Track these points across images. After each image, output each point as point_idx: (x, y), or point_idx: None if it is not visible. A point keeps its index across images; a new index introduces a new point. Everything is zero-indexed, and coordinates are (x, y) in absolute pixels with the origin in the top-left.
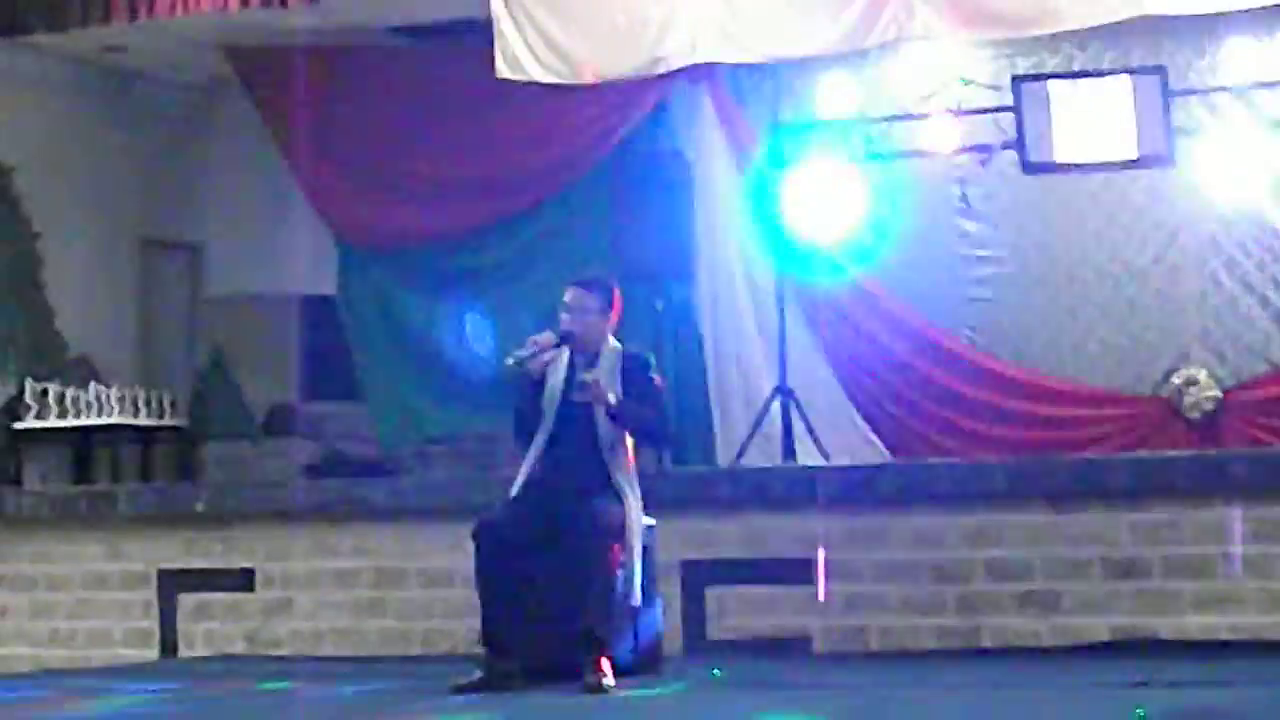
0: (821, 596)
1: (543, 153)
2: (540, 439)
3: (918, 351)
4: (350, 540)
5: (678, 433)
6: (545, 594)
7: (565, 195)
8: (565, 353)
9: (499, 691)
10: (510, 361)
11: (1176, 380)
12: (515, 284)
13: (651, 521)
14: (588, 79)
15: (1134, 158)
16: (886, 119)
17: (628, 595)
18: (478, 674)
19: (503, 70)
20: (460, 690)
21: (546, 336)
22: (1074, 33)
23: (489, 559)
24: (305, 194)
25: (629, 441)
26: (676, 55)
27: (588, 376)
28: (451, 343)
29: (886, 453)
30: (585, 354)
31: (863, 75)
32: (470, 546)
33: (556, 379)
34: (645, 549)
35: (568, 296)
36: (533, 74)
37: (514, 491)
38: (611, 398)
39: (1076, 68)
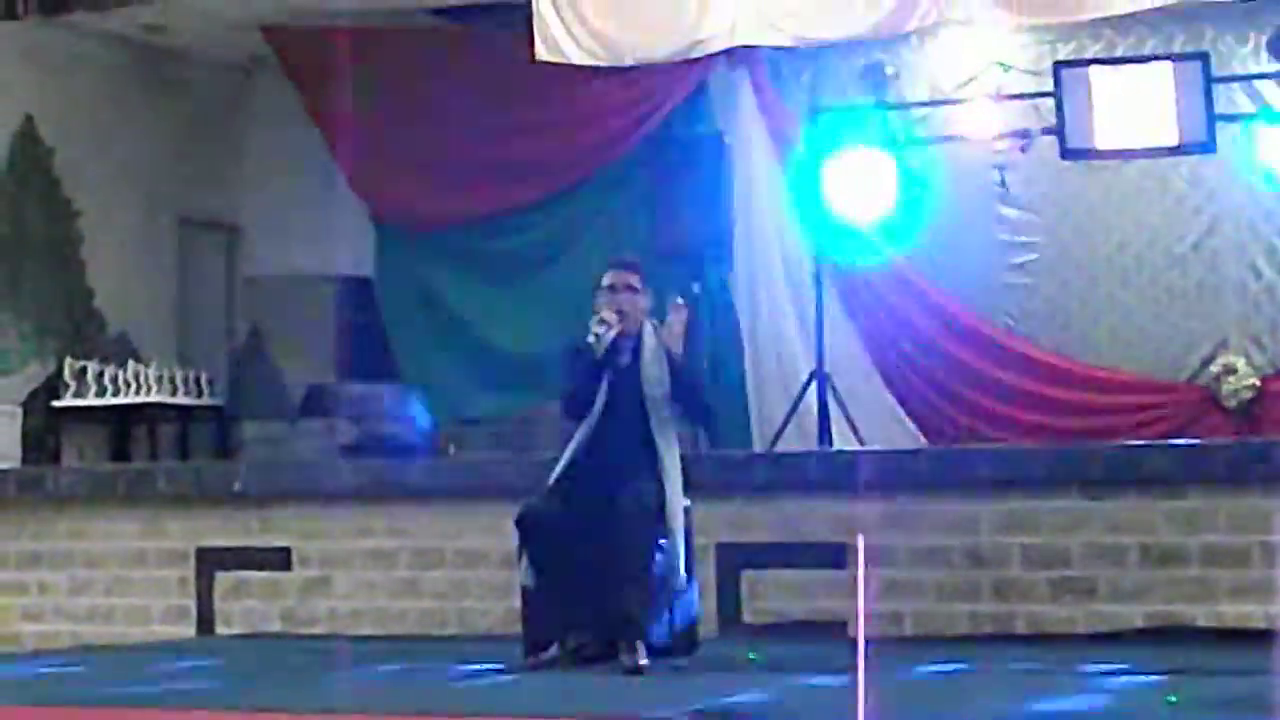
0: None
1: (581, 135)
2: (588, 421)
3: (955, 337)
4: (387, 520)
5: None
6: (585, 576)
7: (603, 177)
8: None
9: (538, 671)
10: (592, 340)
11: (1215, 368)
12: (552, 266)
13: (688, 503)
14: (626, 61)
15: (1175, 144)
16: (925, 104)
17: (670, 577)
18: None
19: (541, 53)
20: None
21: (612, 315)
22: (1116, 18)
23: (532, 544)
24: (344, 174)
25: (671, 424)
26: (715, 38)
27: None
28: (489, 324)
29: (922, 438)
30: (628, 335)
31: (902, 59)
32: (510, 529)
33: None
34: (685, 531)
35: (610, 278)
36: (571, 56)
37: (556, 473)
38: (679, 346)
39: (1118, 53)
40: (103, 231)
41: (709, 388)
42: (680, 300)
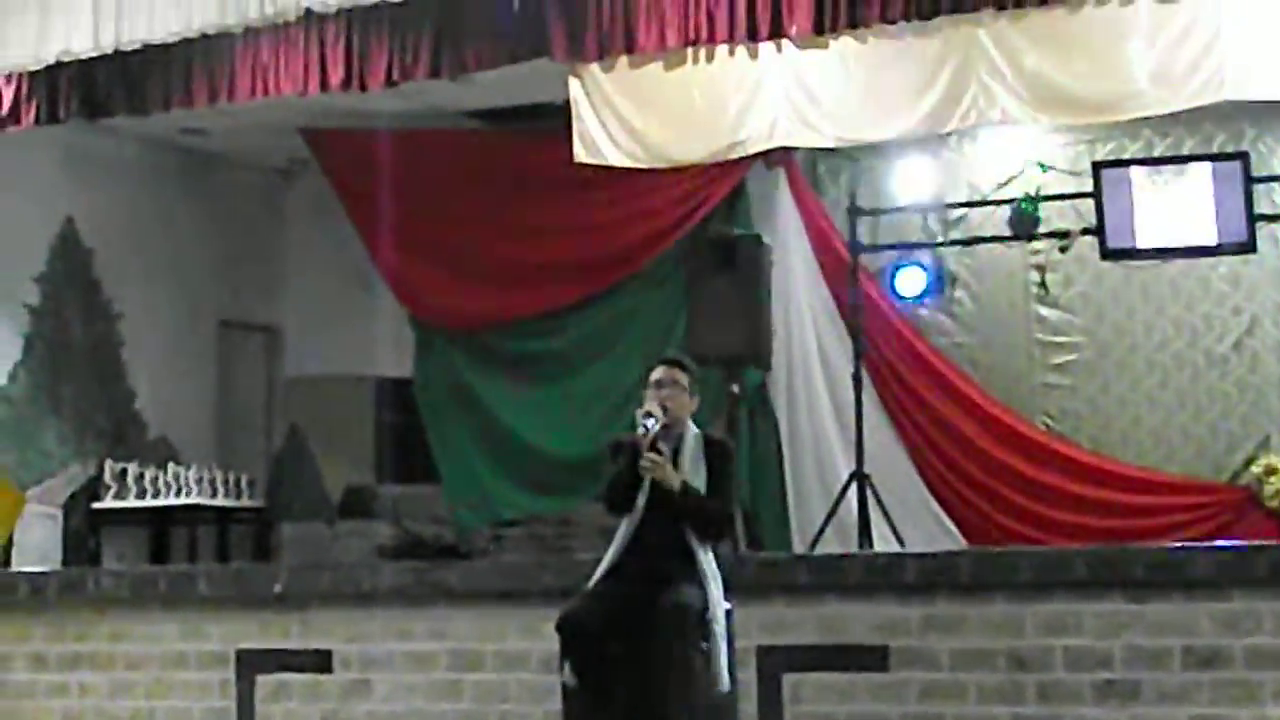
0: None
1: (619, 236)
2: (628, 522)
3: (994, 437)
4: (427, 623)
5: (753, 517)
6: (626, 679)
7: (640, 278)
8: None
9: None
10: (641, 432)
11: (1257, 468)
12: (589, 367)
13: (729, 606)
14: (665, 163)
15: (1214, 243)
16: (964, 204)
17: (714, 681)
18: None
19: (580, 154)
20: None
21: (658, 409)
22: (1155, 118)
23: (573, 648)
24: (382, 276)
25: None
26: (754, 140)
27: (648, 457)
28: (527, 425)
29: (961, 539)
30: (670, 435)
31: (941, 159)
32: (550, 631)
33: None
34: (726, 635)
35: (659, 374)
36: (610, 158)
37: (597, 576)
38: (676, 482)
39: (1157, 153)
40: (143, 333)
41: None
42: (646, 459)
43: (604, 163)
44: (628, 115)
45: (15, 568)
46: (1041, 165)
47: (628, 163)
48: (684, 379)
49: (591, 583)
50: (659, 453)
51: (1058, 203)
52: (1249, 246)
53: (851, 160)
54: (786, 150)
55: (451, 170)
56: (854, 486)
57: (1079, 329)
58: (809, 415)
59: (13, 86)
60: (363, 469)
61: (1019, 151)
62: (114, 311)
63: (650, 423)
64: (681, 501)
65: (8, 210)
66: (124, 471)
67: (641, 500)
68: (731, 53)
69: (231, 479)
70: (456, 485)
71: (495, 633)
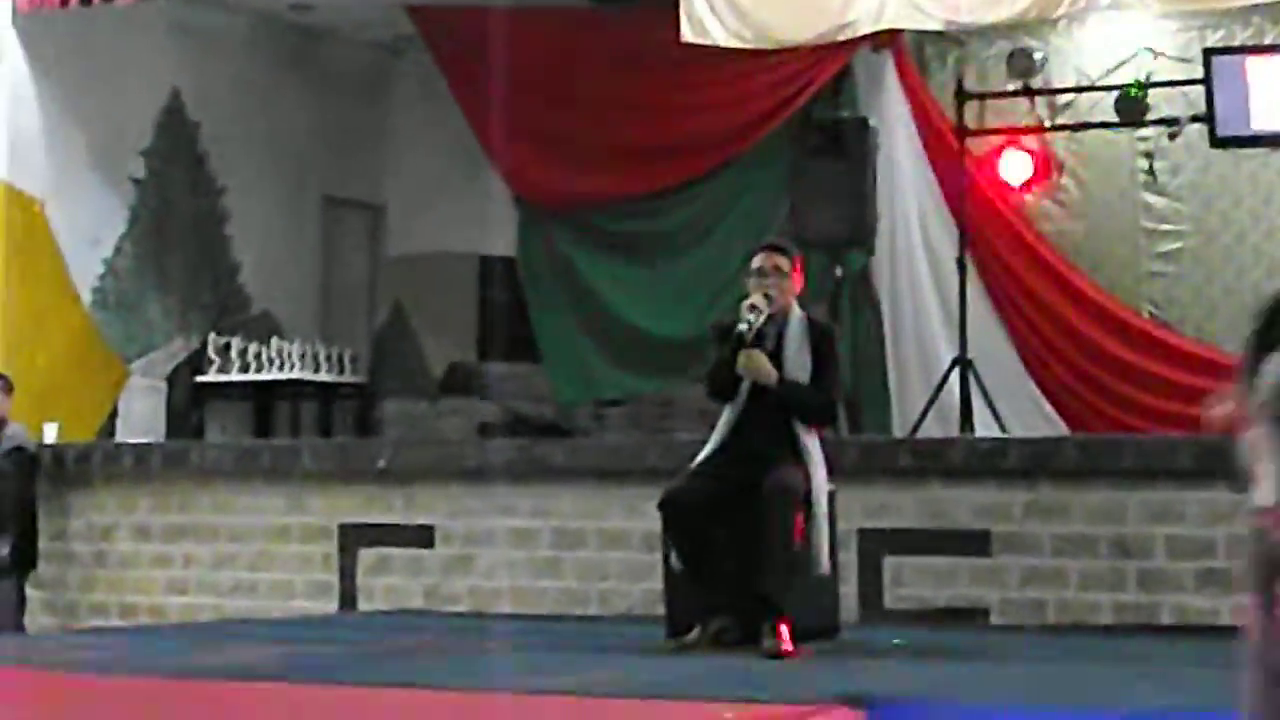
0: None
1: (724, 118)
2: (731, 407)
3: (1098, 324)
4: (529, 500)
5: (854, 402)
6: (728, 560)
7: (744, 161)
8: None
9: (679, 654)
10: (744, 328)
11: None
12: (693, 249)
13: (832, 488)
14: (772, 44)
15: None
16: (1073, 90)
17: (814, 562)
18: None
19: (687, 34)
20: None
21: (761, 300)
22: (1266, 5)
23: (676, 528)
24: (487, 155)
25: None
26: (862, 22)
27: (745, 354)
28: (629, 306)
29: (1063, 426)
30: (774, 322)
31: (1050, 45)
32: (652, 511)
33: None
34: (828, 517)
35: (760, 260)
36: (717, 38)
37: (701, 458)
38: (773, 379)
39: (1268, 40)
40: (247, 208)
41: (843, 386)
42: (742, 364)
43: (710, 43)
44: None
45: (119, 439)
46: (1151, 51)
47: (734, 43)
48: (786, 264)
49: (694, 464)
50: (760, 348)
51: (1166, 90)
52: None
53: (959, 44)
54: (894, 33)
55: (559, 49)
56: (956, 371)
57: (1186, 217)
58: (912, 300)
59: None
60: (465, 347)
61: (1128, 38)
62: (219, 186)
63: (752, 317)
64: (782, 392)
65: (115, 84)
66: (228, 345)
67: (744, 386)
68: None
69: (334, 354)
70: (558, 364)
71: (597, 511)
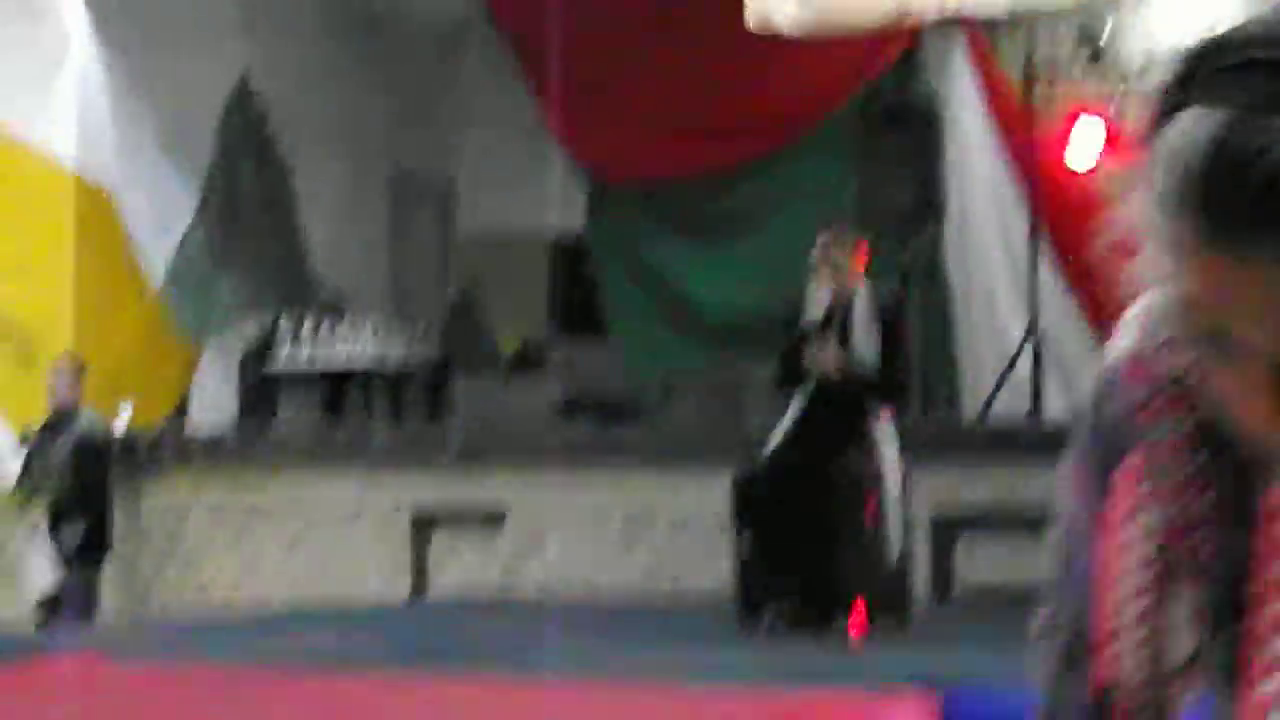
0: None
1: (793, 95)
2: (803, 388)
3: None
4: (602, 481)
5: (925, 380)
6: (800, 543)
7: (813, 139)
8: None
9: (751, 638)
10: (813, 318)
11: None
12: (761, 228)
13: (904, 470)
14: (836, 33)
15: None
16: (1142, 64)
17: (885, 546)
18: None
19: (750, 23)
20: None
21: (827, 282)
22: None
23: (748, 512)
24: (555, 132)
25: None
26: (927, 8)
27: (809, 360)
28: (698, 284)
29: None
30: (843, 301)
31: (1119, 19)
32: (724, 494)
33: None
34: (900, 500)
35: (826, 240)
36: (780, 27)
37: (772, 440)
38: (837, 372)
39: None
40: (317, 189)
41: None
42: (807, 365)
43: (774, 32)
44: None
45: (192, 421)
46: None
47: (797, 32)
48: (851, 245)
49: (766, 450)
50: (828, 330)
51: None
52: None
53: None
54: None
55: (626, 25)
56: (1028, 349)
57: None
58: (981, 276)
59: None
60: (535, 325)
61: (1198, 10)
62: (288, 165)
63: (818, 311)
64: (850, 379)
65: (186, 63)
66: (299, 326)
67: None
68: None
69: (405, 334)
70: (628, 341)
71: (669, 493)
